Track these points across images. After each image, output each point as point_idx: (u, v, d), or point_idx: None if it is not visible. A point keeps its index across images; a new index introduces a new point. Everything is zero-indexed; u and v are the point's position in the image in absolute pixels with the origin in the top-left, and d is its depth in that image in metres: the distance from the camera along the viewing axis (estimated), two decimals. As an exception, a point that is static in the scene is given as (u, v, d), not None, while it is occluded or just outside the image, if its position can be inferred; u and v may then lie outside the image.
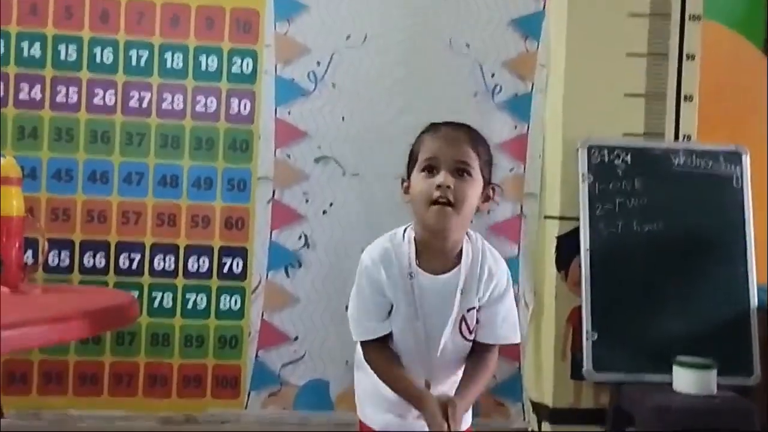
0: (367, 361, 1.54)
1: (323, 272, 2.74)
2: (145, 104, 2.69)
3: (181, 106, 2.70)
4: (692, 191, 2.62)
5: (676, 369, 2.41)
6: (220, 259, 2.73)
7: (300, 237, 2.75)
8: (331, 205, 2.75)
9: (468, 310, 1.50)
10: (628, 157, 2.63)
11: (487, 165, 1.50)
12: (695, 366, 2.39)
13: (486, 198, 1.49)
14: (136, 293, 2.65)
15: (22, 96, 2.63)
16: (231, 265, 2.73)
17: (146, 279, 2.69)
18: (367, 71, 2.75)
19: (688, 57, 2.71)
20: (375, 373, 1.52)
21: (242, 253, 2.74)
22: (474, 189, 1.45)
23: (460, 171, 1.43)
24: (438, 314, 1.49)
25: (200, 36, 2.70)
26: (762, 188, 2.69)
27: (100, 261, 2.67)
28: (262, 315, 2.74)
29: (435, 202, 1.42)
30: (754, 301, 2.59)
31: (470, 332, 1.53)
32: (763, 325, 2.57)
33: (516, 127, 2.81)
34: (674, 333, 2.53)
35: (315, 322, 2.75)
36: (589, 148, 2.63)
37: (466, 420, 1.54)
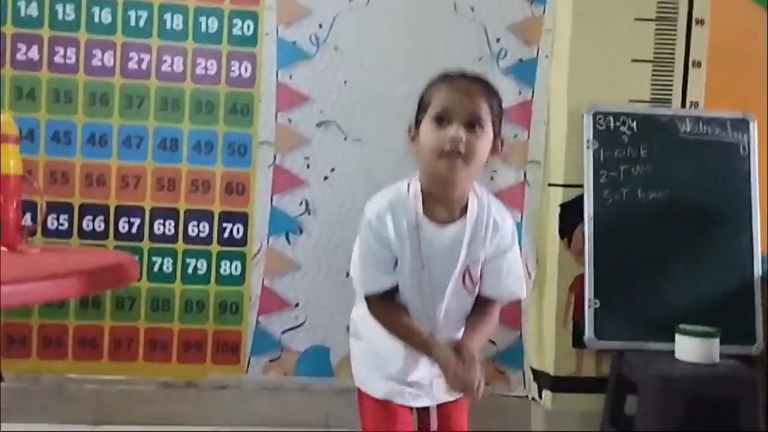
0: (374, 315, 1.52)
1: (324, 238, 2.72)
2: (144, 66, 2.65)
3: (181, 68, 2.66)
4: (698, 159, 2.60)
5: (678, 337, 2.40)
6: (220, 225, 2.71)
7: (301, 203, 2.72)
8: (332, 170, 2.72)
9: (473, 263, 1.48)
10: (634, 124, 2.60)
11: (498, 118, 1.48)
12: (698, 334, 2.38)
13: (494, 150, 1.48)
14: (136, 258, 2.62)
15: (20, 56, 2.59)
16: (231, 230, 2.71)
17: (146, 244, 2.67)
18: (370, 34, 2.71)
19: (696, 22, 2.67)
20: (383, 326, 1.51)
21: (243, 218, 2.72)
22: (484, 142, 1.43)
23: (472, 124, 1.41)
24: (444, 265, 1.48)
25: (200, -4, 2.66)
26: (770, 157, 2.65)
27: (99, 225, 2.65)
28: (263, 281, 2.72)
29: (446, 154, 1.40)
30: (758, 270, 2.57)
31: (474, 285, 1.51)
32: (766, 294, 2.55)
33: (520, 92, 2.77)
34: (677, 301, 2.52)
35: (316, 288, 2.73)
36: (595, 115, 2.60)
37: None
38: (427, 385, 1.55)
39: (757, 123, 2.63)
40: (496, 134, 1.48)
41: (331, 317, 2.73)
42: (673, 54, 2.66)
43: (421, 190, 1.48)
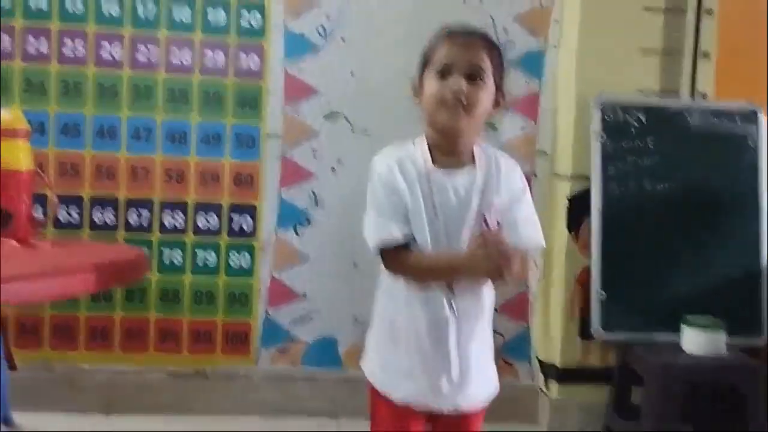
0: (391, 269, 1.48)
1: (332, 230, 2.74)
2: (153, 58, 2.66)
3: (189, 60, 2.67)
4: (707, 151, 2.58)
5: (684, 329, 2.40)
6: (229, 217, 2.72)
7: (309, 195, 2.73)
8: (339, 162, 2.73)
9: (487, 209, 1.47)
10: (643, 116, 2.59)
11: (499, 71, 1.50)
12: (703, 326, 2.38)
13: (496, 103, 1.51)
14: (145, 250, 2.65)
15: (29, 49, 2.61)
16: (240, 222, 2.73)
17: (156, 236, 2.70)
18: (377, 25, 2.71)
19: (706, 12, 2.65)
20: (403, 276, 1.47)
21: (251, 210, 2.73)
22: (486, 93, 1.46)
23: (474, 76, 1.45)
24: (458, 213, 1.46)
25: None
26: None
27: (109, 217, 2.67)
28: (272, 272, 2.74)
29: (448, 104, 1.43)
30: (765, 262, 2.57)
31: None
32: (774, 286, 2.55)
33: (528, 84, 2.76)
34: (684, 293, 2.52)
35: (324, 279, 2.75)
36: (603, 106, 2.59)
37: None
38: (450, 390, 1.49)
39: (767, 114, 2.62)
40: (498, 87, 1.50)
41: (339, 308, 2.75)
42: (682, 44, 2.65)
43: (428, 144, 1.50)
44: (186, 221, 2.70)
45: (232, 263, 2.74)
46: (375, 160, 1.52)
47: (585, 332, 2.60)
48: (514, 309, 2.80)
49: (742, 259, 2.56)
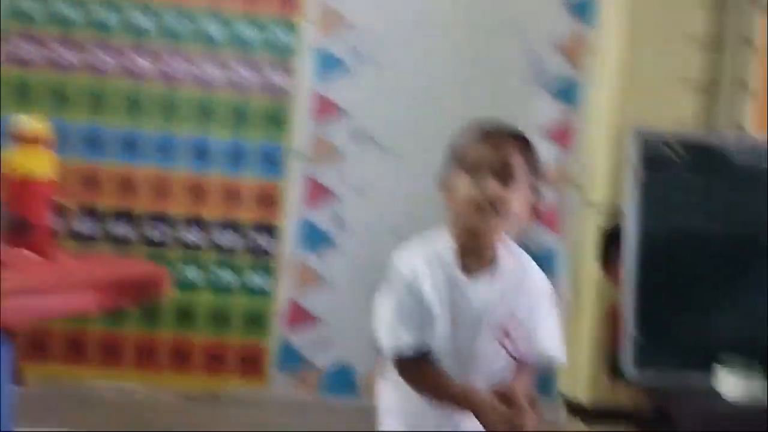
0: (406, 378, 1.43)
1: (355, 254, 2.67)
2: (180, 72, 2.61)
3: (218, 75, 2.62)
4: (749, 188, 2.50)
5: (721, 372, 2.30)
6: (250, 235, 2.66)
7: (333, 217, 2.67)
8: (367, 185, 2.67)
9: (509, 320, 1.43)
10: (682, 149, 2.51)
11: (535, 174, 1.43)
12: (742, 369, 2.28)
13: (533, 210, 1.44)
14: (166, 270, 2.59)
15: (56, 57, 2.57)
16: (261, 241, 2.66)
17: (174, 252, 2.63)
18: (412, 49, 2.66)
19: (747, 43, 2.58)
20: (416, 388, 1.42)
21: (273, 230, 2.67)
22: (518, 195, 1.40)
23: (507, 176, 1.38)
24: (479, 319, 1.41)
25: (240, 4, 2.61)
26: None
27: (127, 232, 2.61)
28: (291, 295, 2.67)
29: (480, 207, 1.37)
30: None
31: (512, 346, 1.44)
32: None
33: (563, 112, 2.70)
34: (722, 336, 2.42)
35: (344, 304, 2.67)
36: (640, 137, 2.51)
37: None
38: None
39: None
40: (536, 192, 1.44)
41: (358, 334, 2.65)
42: (724, 77, 2.58)
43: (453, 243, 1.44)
44: (206, 238, 2.64)
45: (250, 283, 2.67)
46: (398, 258, 1.46)
47: (615, 371, 2.51)
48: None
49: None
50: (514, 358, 1.46)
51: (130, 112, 2.60)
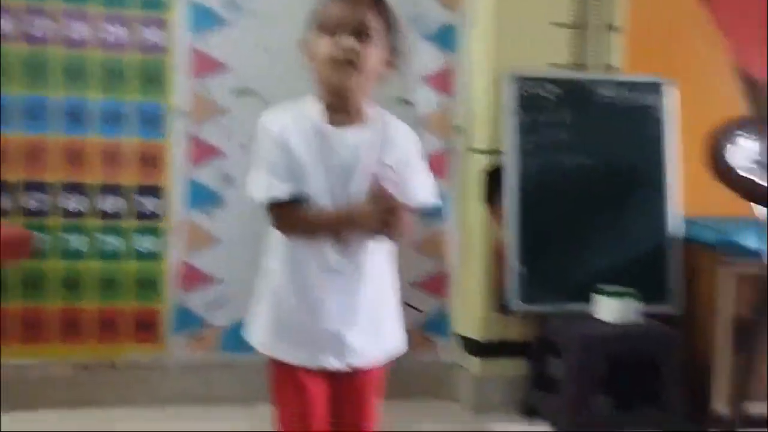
0: (281, 226, 1.49)
1: (245, 211, 2.64)
2: (48, 33, 2.48)
3: (87, 34, 2.51)
4: (617, 123, 2.64)
5: (597, 298, 2.45)
6: (134, 199, 2.59)
7: (220, 174, 2.63)
8: (251, 139, 2.62)
9: (380, 168, 1.48)
10: (555, 89, 2.61)
11: (390, 30, 1.51)
12: (616, 295, 2.44)
13: (388, 63, 1.51)
14: (45, 236, 2.50)
15: None
16: (147, 204, 2.60)
17: (54, 220, 2.54)
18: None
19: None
20: (296, 231, 1.48)
21: (158, 191, 2.61)
22: (375, 51, 1.47)
23: (363, 34, 1.46)
24: (350, 168, 1.49)
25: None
26: (692, 121, 2.69)
27: (3, 201, 2.49)
28: (182, 256, 2.63)
29: (338, 62, 1.44)
30: (672, 230, 2.64)
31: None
32: (687, 256, 2.62)
33: (443, 59, 2.74)
34: (598, 265, 2.57)
35: (237, 262, 2.65)
36: (516, 80, 2.59)
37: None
38: (342, 347, 1.49)
39: (679, 87, 2.68)
40: (392, 48, 1.51)
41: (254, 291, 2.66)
42: (592, 18, 2.67)
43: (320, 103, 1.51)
44: (88, 204, 2.56)
45: (139, 247, 2.61)
46: (265, 118, 1.52)
47: (503, 306, 2.61)
48: (432, 284, 2.78)
49: (651, 228, 2.63)
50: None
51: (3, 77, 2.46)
